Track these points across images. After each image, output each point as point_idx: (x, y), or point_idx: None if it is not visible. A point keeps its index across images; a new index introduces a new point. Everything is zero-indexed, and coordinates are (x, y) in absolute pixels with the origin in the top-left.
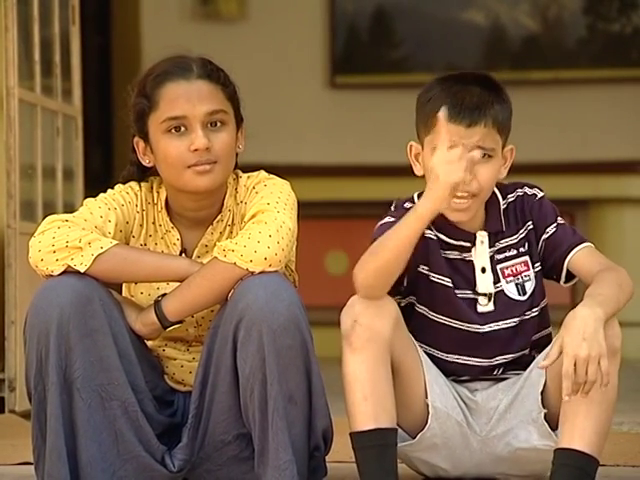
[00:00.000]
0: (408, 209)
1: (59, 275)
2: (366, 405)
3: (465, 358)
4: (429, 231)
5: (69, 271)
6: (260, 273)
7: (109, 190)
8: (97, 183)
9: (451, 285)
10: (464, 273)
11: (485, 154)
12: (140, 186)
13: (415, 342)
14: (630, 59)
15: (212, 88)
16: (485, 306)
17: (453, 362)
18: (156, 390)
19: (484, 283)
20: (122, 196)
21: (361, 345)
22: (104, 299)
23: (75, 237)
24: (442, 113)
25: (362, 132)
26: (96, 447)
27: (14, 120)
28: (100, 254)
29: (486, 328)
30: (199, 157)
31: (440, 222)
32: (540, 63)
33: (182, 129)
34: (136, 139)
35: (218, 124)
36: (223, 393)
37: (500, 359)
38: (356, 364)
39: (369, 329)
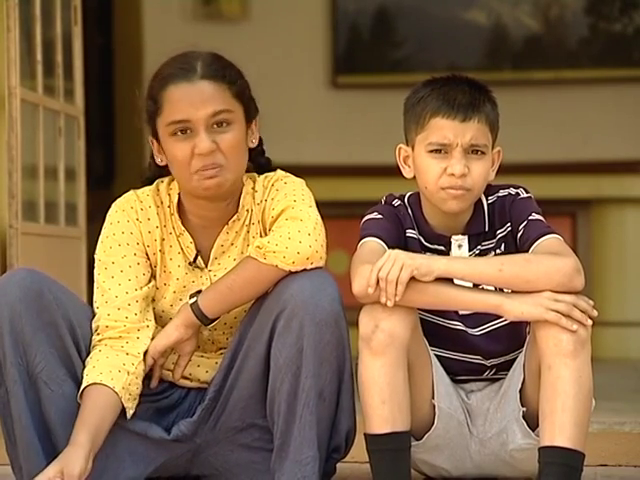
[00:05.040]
0: (396, 207)
1: (5, 274)
2: (383, 409)
3: (455, 354)
4: (411, 231)
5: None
6: (302, 270)
7: (107, 226)
8: (99, 183)
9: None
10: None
11: (478, 151)
12: (137, 195)
13: (427, 343)
14: (632, 59)
15: (216, 88)
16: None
17: (444, 357)
18: None
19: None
20: (119, 221)
21: (382, 350)
22: (55, 292)
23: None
24: (436, 110)
25: (364, 132)
26: None
27: (16, 120)
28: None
29: (469, 331)
30: (204, 161)
31: (421, 223)
32: (542, 63)
33: (187, 132)
34: (150, 138)
35: (224, 124)
36: (248, 380)
37: (486, 362)
38: (375, 368)
39: (391, 335)
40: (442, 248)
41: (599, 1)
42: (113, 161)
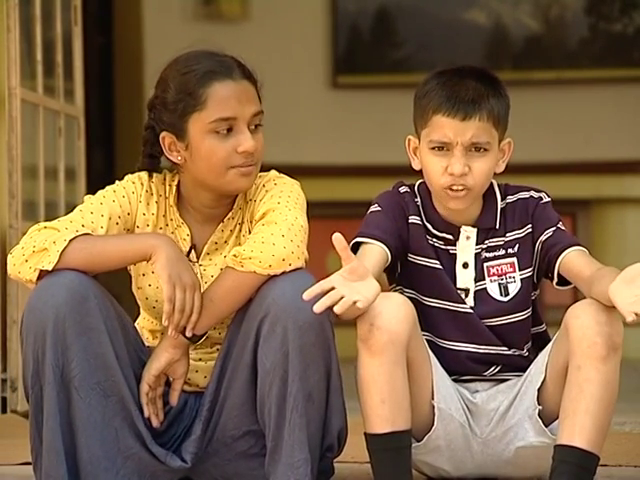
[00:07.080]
0: (402, 193)
1: (53, 275)
2: (383, 409)
3: (460, 345)
4: (415, 217)
5: (59, 269)
6: (282, 273)
7: (116, 181)
8: (99, 183)
9: (440, 267)
10: (446, 264)
11: (481, 148)
12: (151, 175)
13: (426, 343)
14: (632, 59)
15: (252, 89)
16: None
17: (448, 349)
18: None
19: (464, 278)
20: (125, 187)
21: (379, 349)
22: (99, 297)
23: (41, 240)
24: (437, 107)
25: (364, 132)
26: (98, 445)
27: (16, 120)
28: (64, 249)
29: (476, 315)
30: (245, 159)
31: (430, 212)
32: (542, 63)
33: (229, 130)
34: (163, 134)
35: (257, 126)
36: (238, 388)
37: (492, 349)
38: (374, 367)
39: (387, 332)
40: (450, 237)
41: (599, 1)
42: (113, 161)
